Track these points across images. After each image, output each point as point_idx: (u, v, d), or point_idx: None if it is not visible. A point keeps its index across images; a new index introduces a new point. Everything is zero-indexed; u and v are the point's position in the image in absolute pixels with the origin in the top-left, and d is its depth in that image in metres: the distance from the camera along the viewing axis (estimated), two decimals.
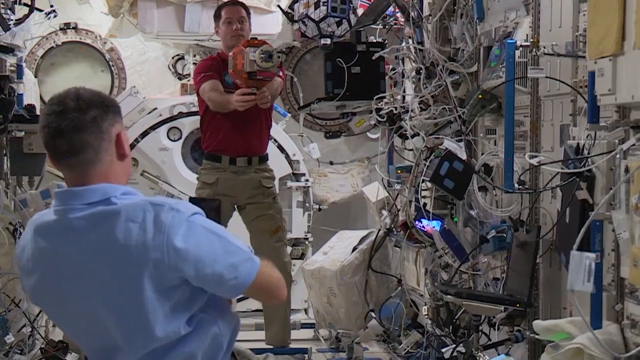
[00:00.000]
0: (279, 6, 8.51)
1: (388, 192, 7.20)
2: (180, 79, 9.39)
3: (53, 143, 3.20)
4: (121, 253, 3.16)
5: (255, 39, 6.83)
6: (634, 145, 3.68)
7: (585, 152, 4.13)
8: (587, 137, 4.14)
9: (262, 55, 6.57)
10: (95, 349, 3.36)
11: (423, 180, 5.85)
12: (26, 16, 7.67)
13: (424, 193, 6.18)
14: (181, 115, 8.62)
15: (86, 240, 3.19)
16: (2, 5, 6.77)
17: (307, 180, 8.78)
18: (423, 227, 6.18)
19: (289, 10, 8.63)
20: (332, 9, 7.82)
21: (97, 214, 3.19)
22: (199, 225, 3.24)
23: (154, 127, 8.61)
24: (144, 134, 8.59)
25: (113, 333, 3.25)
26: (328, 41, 7.63)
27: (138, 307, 3.19)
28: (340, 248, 7.57)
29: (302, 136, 9.02)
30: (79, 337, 3.40)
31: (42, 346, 6.61)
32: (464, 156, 5.51)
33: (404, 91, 6.95)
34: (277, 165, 8.07)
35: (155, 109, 8.67)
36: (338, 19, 7.89)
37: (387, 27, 7.45)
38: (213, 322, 3.35)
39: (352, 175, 9.31)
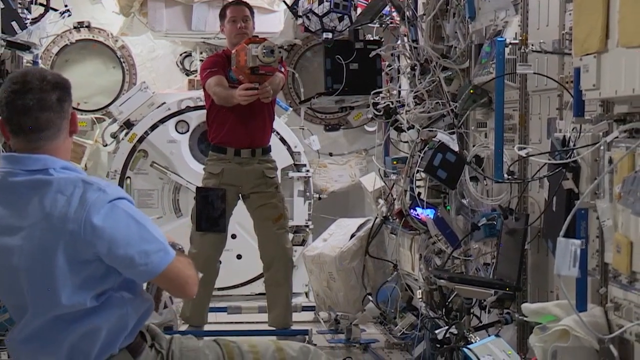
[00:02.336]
0: (284, 1, 8.49)
1: (384, 182, 7.19)
2: (187, 74, 9.39)
3: (17, 119, 3.29)
4: (44, 220, 3.25)
5: (257, 36, 6.83)
6: (617, 137, 3.67)
7: (571, 144, 4.13)
8: (572, 130, 4.13)
9: (264, 51, 6.56)
10: (11, 306, 3.45)
11: (417, 171, 5.85)
12: (42, 15, 7.66)
13: (418, 183, 6.17)
14: (188, 109, 8.61)
15: (20, 202, 3.29)
16: (19, 5, 6.77)
17: (307, 170, 8.78)
18: (417, 215, 6.17)
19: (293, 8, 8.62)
20: (334, 5, 7.81)
21: (34, 182, 3.29)
22: (121, 209, 3.30)
23: (162, 121, 8.60)
24: (153, 127, 8.58)
25: (24, 292, 3.32)
26: (330, 35, 7.63)
27: (49, 272, 3.26)
28: (339, 235, 7.56)
29: (303, 129, 9.01)
30: (1, 292, 3.47)
31: None
32: (456, 148, 5.50)
33: (400, 86, 6.94)
34: (280, 156, 8.07)
35: (164, 103, 8.65)
36: (340, 15, 7.88)
37: (383, 25, 7.43)
38: (122, 303, 3.40)
39: (350, 166, 9.31)
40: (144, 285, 3.64)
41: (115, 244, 3.26)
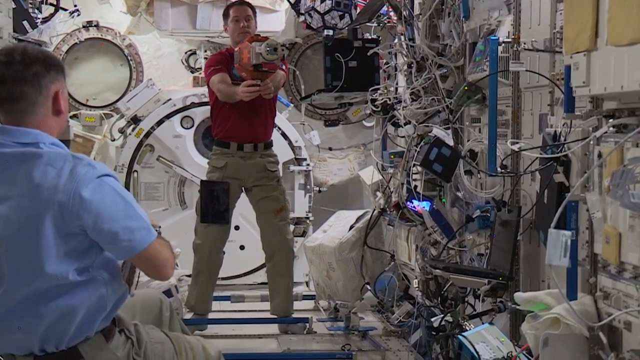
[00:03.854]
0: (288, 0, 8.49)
1: (382, 175, 7.19)
2: (192, 72, 9.38)
3: None
4: (33, 190, 3.22)
5: (259, 35, 6.81)
6: (606, 132, 3.67)
7: (562, 138, 4.13)
8: (563, 125, 4.13)
9: (268, 49, 6.54)
10: None
11: (414, 165, 5.85)
12: (52, 15, 7.68)
13: (414, 176, 6.17)
14: (193, 105, 8.61)
15: (9, 173, 3.26)
16: (30, 5, 6.77)
17: (308, 164, 8.78)
18: (414, 207, 6.18)
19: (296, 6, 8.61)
20: (336, 3, 7.82)
21: (24, 154, 3.27)
22: (109, 185, 3.29)
23: (168, 116, 8.60)
24: (160, 123, 8.58)
25: (2, 262, 3.26)
26: (331, 32, 7.63)
27: (34, 241, 3.23)
28: (339, 226, 7.56)
29: (303, 124, 9.00)
30: None
31: None
32: (451, 143, 5.50)
33: (397, 83, 6.94)
34: (281, 150, 8.07)
35: (170, 99, 8.65)
36: (341, 13, 7.88)
37: (381, 24, 7.43)
38: (103, 284, 3.37)
39: (349, 160, 9.31)
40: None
41: (101, 218, 3.25)
